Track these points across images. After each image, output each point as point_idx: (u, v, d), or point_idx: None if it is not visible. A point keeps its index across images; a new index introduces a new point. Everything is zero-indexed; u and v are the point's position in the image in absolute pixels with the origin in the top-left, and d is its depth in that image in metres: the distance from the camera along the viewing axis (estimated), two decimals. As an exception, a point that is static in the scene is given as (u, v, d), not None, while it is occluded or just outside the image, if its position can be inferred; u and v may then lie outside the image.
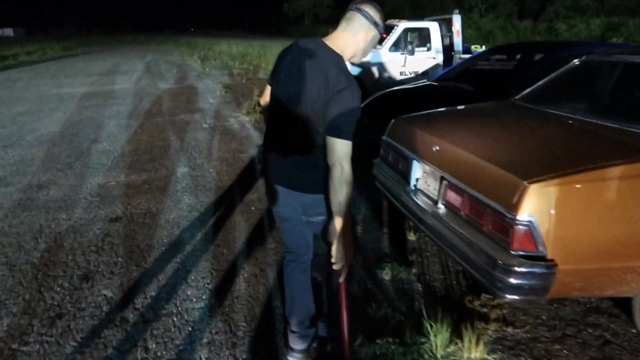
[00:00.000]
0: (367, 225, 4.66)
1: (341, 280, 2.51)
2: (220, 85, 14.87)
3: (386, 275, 3.74)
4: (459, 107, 4.46)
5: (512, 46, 9.06)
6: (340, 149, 2.32)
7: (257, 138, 8.13)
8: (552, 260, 2.51)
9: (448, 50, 12.23)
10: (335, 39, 2.49)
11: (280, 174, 2.59)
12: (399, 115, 4.88)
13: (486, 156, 2.91)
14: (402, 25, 11.55)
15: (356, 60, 2.57)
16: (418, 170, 3.65)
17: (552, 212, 2.48)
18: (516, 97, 4.29)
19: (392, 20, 12.34)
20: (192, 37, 57.33)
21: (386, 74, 11.11)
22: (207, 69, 20.51)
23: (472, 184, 2.90)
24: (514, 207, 2.50)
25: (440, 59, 11.80)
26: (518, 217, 2.49)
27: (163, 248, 4.16)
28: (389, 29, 11.61)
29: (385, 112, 6.03)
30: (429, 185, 3.48)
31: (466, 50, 13.01)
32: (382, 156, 4.34)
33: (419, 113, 4.31)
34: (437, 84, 7.01)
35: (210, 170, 6.30)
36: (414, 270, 3.85)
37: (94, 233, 4.44)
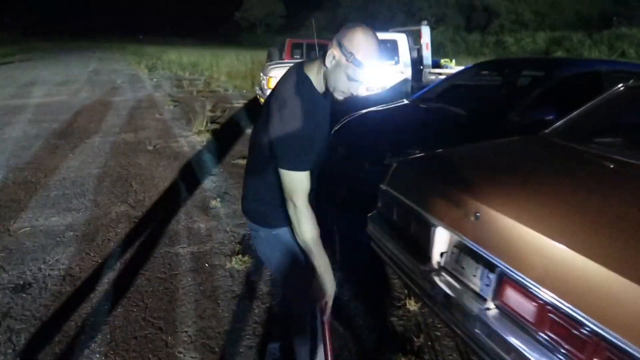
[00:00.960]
0: (352, 292, 3.70)
1: (325, 318, 2.28)
2: (168, 98, 13.68)
3: None
4: (481, 146, 3.47)
5: (501, 62, 8.39)
6: (288, 183, 2.13)
7: (210, 163, 7.04)
8: None
9: (416, 64, 11.53)
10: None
11: (243, 206, 2.46)
12: (381, 143, 4.58)
13: (592, 253, 1.89)
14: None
15: (337, 95, 2.23)
16: (444, 243, 2.66)
17: None
18: (547, 132, 3.41)
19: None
20: (140, 44, 55.53)
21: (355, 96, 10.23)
22: (155, 80, 19.24)
23: (568, 297, 1.89)
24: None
25: (408, 73, 11.09)
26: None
27: (82, 338, 3.06)
28: None
29: (363, 140, 5.28)
30: (463, 268, 2.48)
31: (435, 64, 12.39)
32: (380, 211, 3.33)
33: (432, 154, 3.35)
34: (418, 105, 6.10)
35: (155, 209, 5.17)
36: None
37: (-12, 313, 3.26)
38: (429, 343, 3.13)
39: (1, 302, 3.42)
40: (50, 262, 4.00)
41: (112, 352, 2.94)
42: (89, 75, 20.76)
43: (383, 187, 3.24)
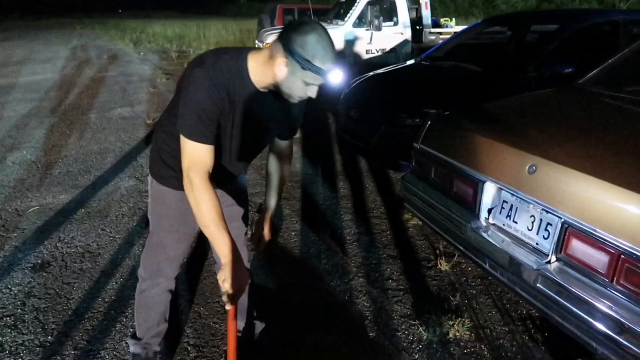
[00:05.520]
0: (377, 252, 3.73)
1: (227, 307, 2.12)
2: (159, 71, 13.52)
3: (429, 335, 2.86)
4: (519, 98, 3.48)
5: (512, 17, 8.37)
6: (183, 150, 2.07)
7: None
8: None
9: (415, 24, 11.52)
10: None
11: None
12: (394, 103, 4.67)
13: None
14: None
15: (292, 100, 2.18)
16: (492, 199, 2.65)
17: None
18: (582, 82, 3.41)
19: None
20: (120, 19, 54.79)
21: (351, 53, 10.25)
22: (142, 53, 18.99)
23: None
24: None
25: (408, 34, 11.10)
26: None
27: (112, 313, 3.04)
28: (350, 2, 10.76)
29: (375, 101, 5.30)
30: (516, 222, 2.45)
31: (435, 23, 12.38)
32: (415, 171, 3.28)
33: (469, 108, 3.33)
34: (429, 64, 6.08)
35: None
36: (466, 323, 2.89)
37: (10, 294, 3.25)
38: (466, 301, 3.15)
39: (22, 281, 3.38)
40: (66, 240, 3.94)
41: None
42: (73, 51, 20.43)
43: (417, 145, 3.20)
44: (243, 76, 2.14)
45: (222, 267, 2.04)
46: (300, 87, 2.07)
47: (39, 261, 3.64)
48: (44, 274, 3.48)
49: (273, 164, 2.62)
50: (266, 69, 2.08)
